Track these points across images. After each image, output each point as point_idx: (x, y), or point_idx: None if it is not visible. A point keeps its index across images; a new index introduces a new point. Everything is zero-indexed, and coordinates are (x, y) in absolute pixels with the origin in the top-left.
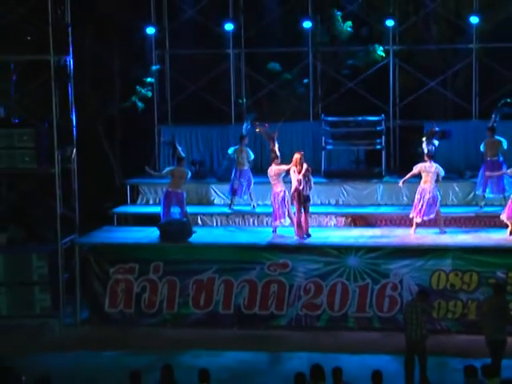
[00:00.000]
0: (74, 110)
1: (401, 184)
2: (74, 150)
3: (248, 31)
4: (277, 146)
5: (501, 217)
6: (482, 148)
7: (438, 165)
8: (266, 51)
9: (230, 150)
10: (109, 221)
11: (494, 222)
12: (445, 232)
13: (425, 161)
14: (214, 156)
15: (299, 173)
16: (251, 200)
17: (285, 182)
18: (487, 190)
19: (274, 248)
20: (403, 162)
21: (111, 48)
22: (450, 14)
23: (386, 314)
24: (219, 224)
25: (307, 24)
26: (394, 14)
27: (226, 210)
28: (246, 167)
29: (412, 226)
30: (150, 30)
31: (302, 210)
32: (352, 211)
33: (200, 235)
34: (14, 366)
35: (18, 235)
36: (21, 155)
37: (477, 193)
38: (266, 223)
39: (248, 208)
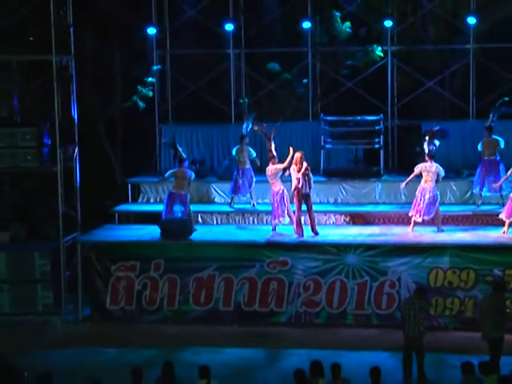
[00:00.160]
0: (75, 109)
1: (403, 186)
2: (76, 149)
3: (248, 31)
4: (273, 145)
5: (500, 215)
6: (479, 147)
7: (438, 165)
8: (266, 51)
9: (234, 151)
10: (110, 219)
11: (491, 221)
12: (442, 230)
13: (425, 160)
14: (214, 155)
15: (299, 171)
16: (251, 198)
17: (286, 181)
18: (484, 189)
19: (274, 246)
20: (401, 161)
21: (112, 48)
22: (447, 14)
23: (384, 311)
24: (219, 222)
25: (306, 24)
26: (392, 14)
27: (227, 208)
28: (248, 166)
29: (410, 224)
30: (151, 31)
31: (306, 209)
32: (351, 209)
33: (200, 233)
34: (17, 362)
35: (20, 233)
36: (23, 154)
37: (474, 191)
38: (266, 221)
39: (248, 206)
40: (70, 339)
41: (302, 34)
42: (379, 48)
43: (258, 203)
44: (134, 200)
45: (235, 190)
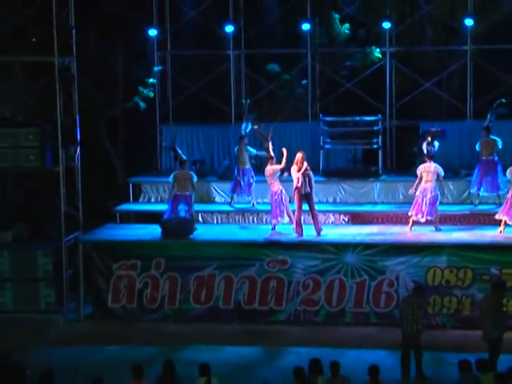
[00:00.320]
0: (77, 110)
1: (412, 191)
2: (78, 150)
3: (248, 33)
4: (271, 146)
5: (496, 216)
6: (477, 147)
7: (437, 164)
8: (266, 52)
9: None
10: (112, 218)
11: (488, 220)
12: (440, 229)
13: (424, 161)
14: (214, 155)
15: (299, 171)
16: (251, 198)
17: (288, 181)
18: (482, 189)
19: (273, 245)
20: (399, 161)
21: (114, 49)
22: (445, 16)
23: (383, 309)
24: (220, 221)
25: (306, 26)
26: (391, 16)
27: (227, 207)
28: (248, 166)
29: (408, 223)
30: (152, 32)
31: (308, 208)
32: (349, 209)
33: (201, 232)
34: (19, 360)
35: (23, 233)
36: (26, 154)
37: (471, 191)
38: (266, 221)
39: (248, 206)
40: (71, 337)
41: (301, 35)
42: (377, 49)
43: (257, 203)
44: (135, 199)
45: (235, 190)
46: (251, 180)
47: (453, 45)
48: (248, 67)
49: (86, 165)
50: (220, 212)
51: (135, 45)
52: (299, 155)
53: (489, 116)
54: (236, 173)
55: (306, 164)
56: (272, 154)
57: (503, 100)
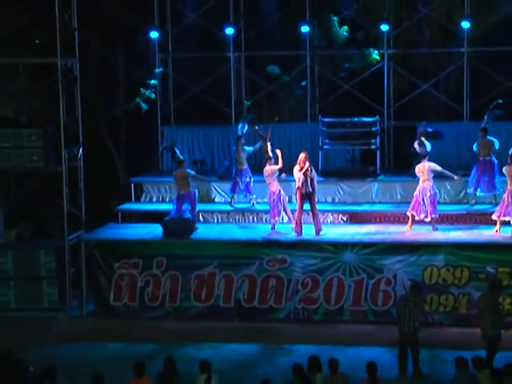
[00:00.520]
0: (80, 111)
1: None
2: (81, 150)
3: (248, 35)
4: (269, 146)
5: (493, 216)
6: (474, 148)
7: (430, 162)
8: (266, 54)
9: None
10: (114, 218)
11: (485, 219)
12: (437, 229)
13: (420, 161)
14: (214, 155)
15: (301, 171)
16: (252, 196)
17: (290, 181)
18: (479, 189)
19: (273, 244)
20: (397, 161)
21: (116, 51)
22: (442, 18)
23: (381, 307)
24: (220, 221)
25: (305, 28)
26: (389, 18)
27: (227, 207)
28: (245, 166)
29: (407, 222)
30: (154, 34)
31: (309, 208)
32: (348, 209)
33: (201, 232)
34: (22, 357)
35: (26, 232)
36: (29, 154)
37: (468, 191)
38: (266, 220)
39: (248, 206)
40: (74, 334)
41: (300, 37)
42: (376, 51)
43: (257, 202)
44: (137, 199)
45: (234, 190)
46: (249, 179)
47: (450, 47)
48: (248, 69)
49: (89, 165)
50: (220, 212)
51: (137, 47)
52: (302, 155)
53: (486, 117)
54: (234, 173)
55: (308, 164)
56: (270, 154)
57: (500, 101)
